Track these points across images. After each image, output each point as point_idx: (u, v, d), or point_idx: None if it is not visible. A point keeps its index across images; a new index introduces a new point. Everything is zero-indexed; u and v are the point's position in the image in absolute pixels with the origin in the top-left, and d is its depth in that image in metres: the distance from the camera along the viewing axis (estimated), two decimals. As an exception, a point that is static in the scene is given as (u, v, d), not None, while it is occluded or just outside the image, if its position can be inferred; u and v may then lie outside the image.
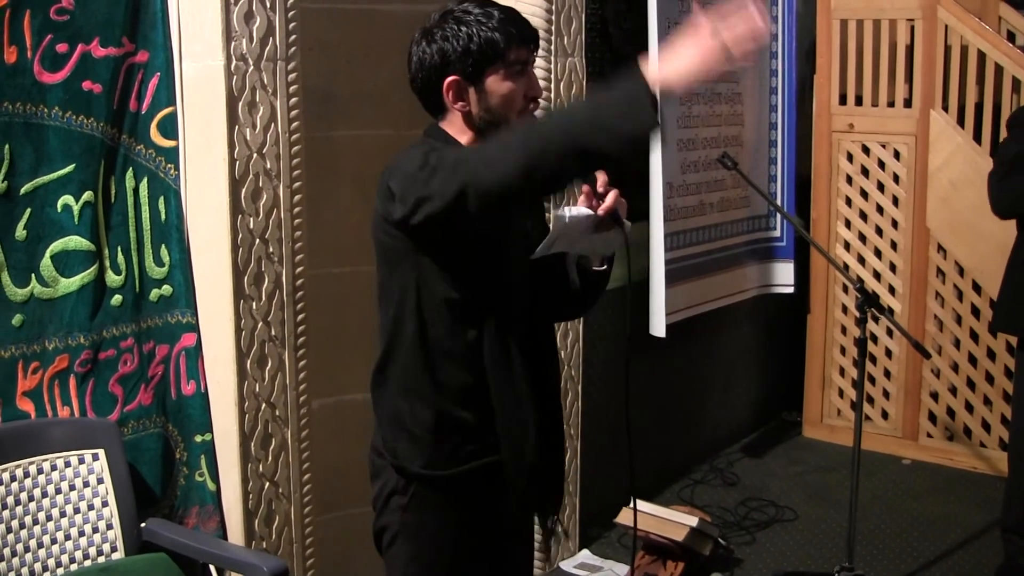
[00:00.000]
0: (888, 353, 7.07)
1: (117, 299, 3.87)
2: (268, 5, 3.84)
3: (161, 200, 3.91)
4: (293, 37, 3.96)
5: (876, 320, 4.97)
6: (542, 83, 4.79)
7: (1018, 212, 4.93)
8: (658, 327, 5.72)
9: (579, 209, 2.88)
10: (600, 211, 2.85)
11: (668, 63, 2.50)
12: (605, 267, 3.14)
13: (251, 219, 3.87)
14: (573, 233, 2.89)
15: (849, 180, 7.08)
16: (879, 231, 6.99)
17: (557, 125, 2.64)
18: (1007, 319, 5.10)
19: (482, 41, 2.89)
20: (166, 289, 3.95)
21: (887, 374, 7.10)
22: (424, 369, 3.04)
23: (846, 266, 7.10)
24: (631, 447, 3.31)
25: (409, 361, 3.06)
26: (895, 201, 6.90)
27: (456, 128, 3.02)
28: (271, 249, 3.94)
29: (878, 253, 7.02)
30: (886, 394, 7.13)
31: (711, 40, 2.46)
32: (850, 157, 7.05)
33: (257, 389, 3.97)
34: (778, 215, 6.65)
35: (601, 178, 2.88)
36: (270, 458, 4.06)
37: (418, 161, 2.80)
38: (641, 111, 2.48)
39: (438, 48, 2.93)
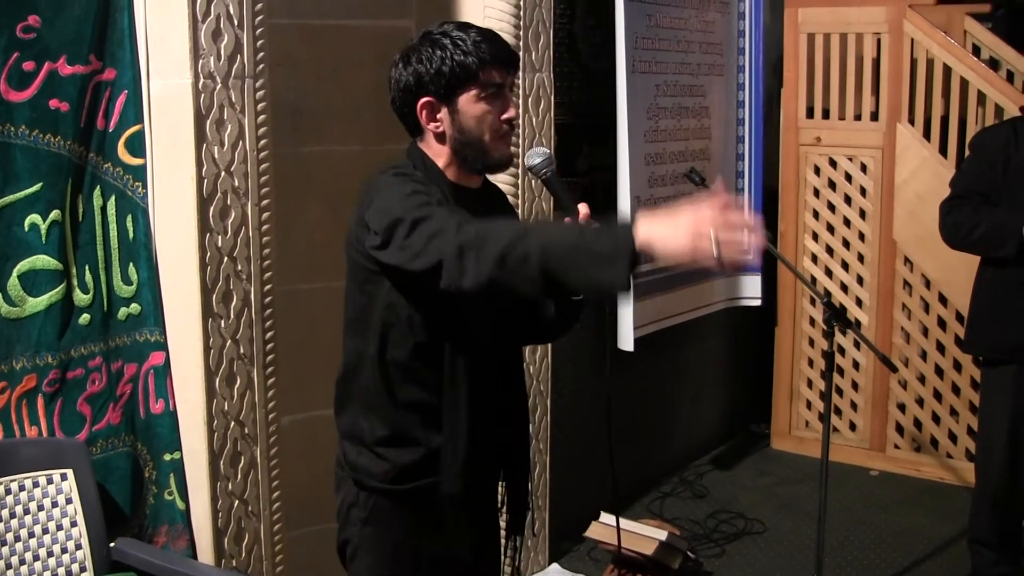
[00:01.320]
0: (856, 365, 7.10)
1: (85, 318, 3.85)
2: (236, 23, 3.83)
3: (129, 218, 3.89)
4: (261, 55, 3.95)
5: (844, 333, 5.00)
6: (510, 99, 4.80)
7: (960, 247, 5.03)
8: (626, 341, 5.72)
9: None
10: None
11: (659, 229, 2.46)
12: (581, 296, 3.12)
13: (219, 237, 3.86)
14: None
15: (816, 193, 7.11)
16: (846, 244, 7.03)
17: (537, 249, 2.55)
18: (972, 340, 5.18)
19: (455, 63, 2.95)
20: (134, 308, 3.93)
21: (855, 386, 7.14)
22: (384, 387, 3.10)
23: (813, 279, 7.13)
24: (613, 464, 3.32)
25: (370, 379, 3.12)
26: (862, 214, 6.94)
27: (433, 149, 3.07)
28: (239, 267, 3.93)
29: (845, 266, 7.06)
30: (854, 406, 7.17)
31: (707, 229, 2.41)
32: (817, 170, 7.08)
33: (226, 407, 3.96)
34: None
35: (583, 211, 2.93)
36: (239, 476, 4.04)
37: (397, 198, 2.84)
38: (618, 268, 2.47)
39: (413, 70, 3.01)
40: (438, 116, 3.02)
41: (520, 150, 4.87)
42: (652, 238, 2.45)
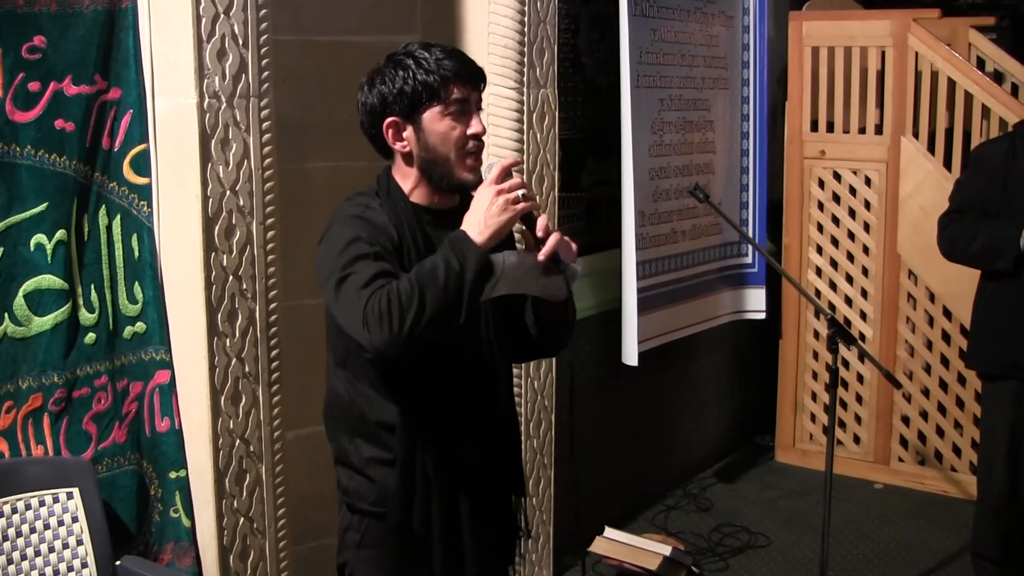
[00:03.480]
0: (860, 378, 7.11)
1: (91, 337, 3.86)
2: (240, 42, 3.84)
3: (134, 237, 3.89)
4: (266, 73, 3.96)
5: (848, 348, 5.01)
6: (514, 115, 4.81)
7: (958, 260, 5.05)
8: (630, 355, 5.72)
9: (517, 253, 3.00)
10: (540, 256, 2.94)
11: (474, 220, 2.88)
12: (559, 310, 3.17)
13: (224, 256, 3.87)
14: (513, 276, 2.96)
15: (820, 206, 7.12)
16: (850, 257, 7.04)
17: (420, 303, 2.78)
18: (973, 355, 5.19)
19: (416, 82, 2.98)
20: (140, 326, 3.94)
21: (859, 399, 7.14)
22: (364, 410, 3.13)
23: (817, 292, 7.14)
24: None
25: (350, 402, 3.17)
26: (866, 227, 6.94)
27: (401, 171, 3.12)
28: (244, 286, 3.93)
29: (849, 279, 7.06)
30: (858, 419, 7.17)
31: (500, 189, 2.89)
32: (821, 183, 7.09)
33: (231, 426, 3.97)
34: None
35: (541, 222, 2.94)
36: (244, 494, 4.05)
37: (334, 253, 2.95)
38: (474, 276, 2.83)
39: (377, 92, 3.04)
40: (404, 135, 3.04)
41: (525, 167, 4.88)
42: (486, 234, 2.85)
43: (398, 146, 3.06)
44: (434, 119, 3.00)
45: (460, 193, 3.10)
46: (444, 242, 2.87)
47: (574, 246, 3.01)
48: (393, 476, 3.11)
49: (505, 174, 2.92)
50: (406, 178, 3.09)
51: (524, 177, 4.88)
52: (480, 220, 2.86)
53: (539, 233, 2.94)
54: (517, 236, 3.33)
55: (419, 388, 3.06)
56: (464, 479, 3.17)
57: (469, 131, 3.02)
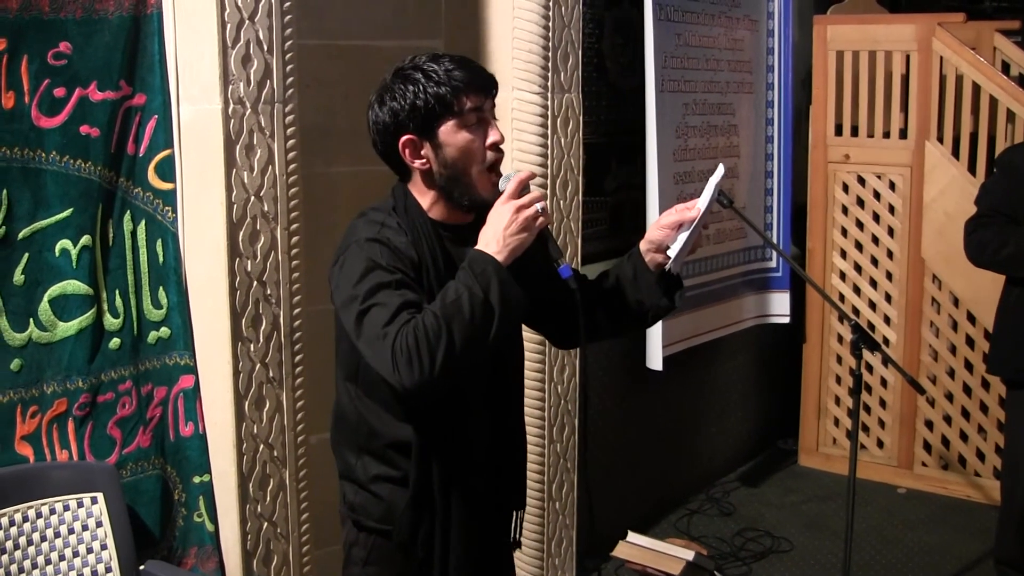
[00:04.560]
0: (883, 383, 7.09)
1: (115, 342, 3.87)
2: (265, 48, 3.85)
3: (159, 243, 3.91)
4: (291, 79, 3.96)
5: (873, 353, 4.99)
6: (538, 119, 4.81)
7: (986, 266, 5.02)
8: (655, 360, 5.73)
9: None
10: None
11: (491, 236, 2.84)
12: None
13: (249, 262, 3.87)
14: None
15: (845, 211, 7.10)
16: (874, 261, 7.02)
17: (449, 338, 2.73)
18: (996, 361, 5.17)
19: (428, 96, 2.90)
20: (164, 331, 3.96)
21: (882, 403, 7.12)
22: (375, 427, 3.09)
23: (841, 297, 7.12)
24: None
25: (359, 418, 3.12)
26: (890, 232, 6.92)
27: (419, 188, 3.03)
28: (268, 291, 3.94)
29: (873, 283, 7.05)
30: (881, 423, 7.15)
31: (518, 204, 2.84)
32: (846, 188, 7.08)
33: (255, 431, 3.97)
34: (774, 245, 6.67)
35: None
36: (268, 498, 4.06)
37: (351, 280, 2.88)
38: (507, 299, 2.79)
39: (388, 109, 2.96)
40: (422, 153, 2.96)
41: (548, 171, 4.88)
42: (505, 252, 2.81)
43: (417, 164, 2.98)
44: (450, 132, 2.92)
45: (480, 209, 2.99)
46: (463, 265, 2.81)
47: None
48: (400, 494, 3.08)
49: (522, 188, 2.86)
50: (424, 195, 3.02)
51: (548, 182, 4.88)
52: (499, 238, 2.81)
53: (562, 264, 2.92)
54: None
55: (436, 409, 3.00)
56: (473, 500, 3.14)
57: (488, 141, 2.94)
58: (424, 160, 2.97)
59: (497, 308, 2.74)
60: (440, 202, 3.02)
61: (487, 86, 2.98)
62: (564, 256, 2.98)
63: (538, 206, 2.84)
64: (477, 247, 2.83)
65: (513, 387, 3.26)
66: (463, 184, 2.96)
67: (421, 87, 2.91)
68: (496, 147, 2.96)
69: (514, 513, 3.36)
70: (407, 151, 2.97)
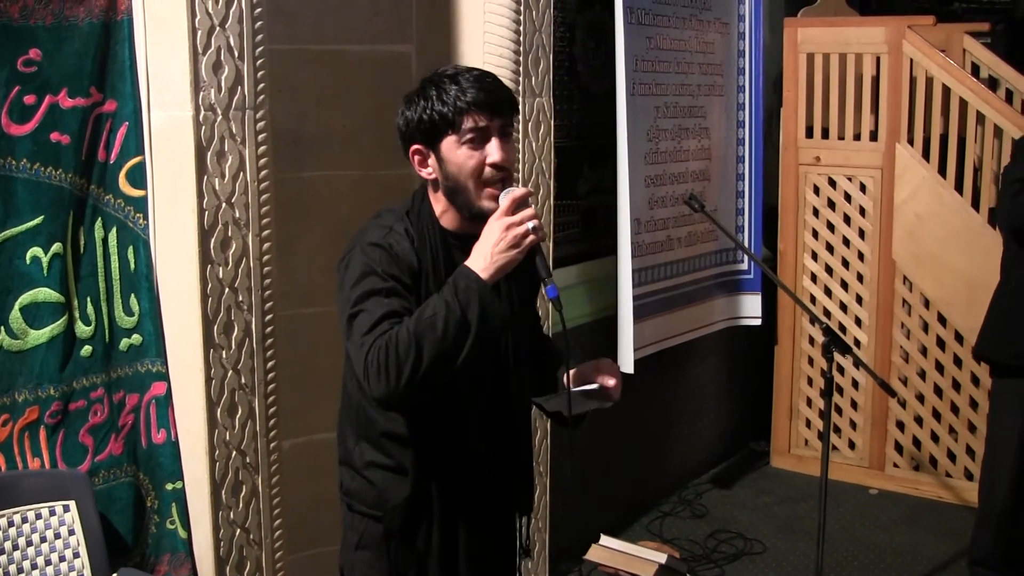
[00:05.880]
0: (855, 384, 7.12)
1: (87, 350, 3.86)
2: (236, 54, 3.84)
3: (130, 249, 3.89)
4: (262, 85, 3.95)
5: (844, 356, 5.00)
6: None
7: None
8: (626, 363, 5.73)
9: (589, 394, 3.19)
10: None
11: (482, 255, 2.88)
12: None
13: (220, 268, 3.86)
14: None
15: (816, 213, 7.13)
16: (845, 263, 7.05)
17: (424, 350, 2.80)
18: (988, 345, 5.13)
19: (433, 112, 2.98)
20: (136, 338, 3.94)
21: (854, 405, 7.15)
22: (373, 416, 3.15)
23: (813, 298, 7.15)
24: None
25: (359, 405, 3.18)
26: (861, 234, 6.96)
27: (435, 195, 3.11)
28: (240, 298, 3.93)
29: (844, 285, 7.08)
30: (853, 425, 7.18)
31: (512, 221, 2.88)
32: (817, 190, 7.11)
33: (228, 437, 3.96)
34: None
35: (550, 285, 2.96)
36: (241, 505, 4.05)
37: (350, 285, 2.97)
38: (491, 319, 2.87)
39: (404, 118, 3.06)
40: (428, 163, 3.05)
41: (520, 175, 4.88)
42: (491, 269, 2.86)
43: (423, 173, 3.07)
44: (451, 148, 2.98)
45: (483, 221, 3.00)
46: (449, 280, 2.88)
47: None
48: (392, 481, 3.14)
49: (516, 205, 2.89)
50: (438, 201, 3.10)
51: (520, 186, 4.87)
52: (486, 255, 2.86)
53: (549, 284, 2.95)
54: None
55: (434, 406, 3.06)
56: (470, 496, 3.19)
57: (489, 160, 2.97)
58: (430, 170, 3.06)
59: (474, 326, 2.81)
60: (451, 210, 3.08)
61: (494, 106, 2.99)
62: (552, 276, 2.98)
63: (530, 224, 2.87)
64: (466, 263, 2.89)
65: (519, 386, 3.30)
66: (463, 196, 3.01)
67: (431, 102, 2.99)
68: (496, 166, 2.98)
69: (518, 517, 3.44)
70: (416, 159, 3.08)
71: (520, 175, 4.88)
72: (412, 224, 3.07)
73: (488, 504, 3.26)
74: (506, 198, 2.91)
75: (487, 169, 2.98)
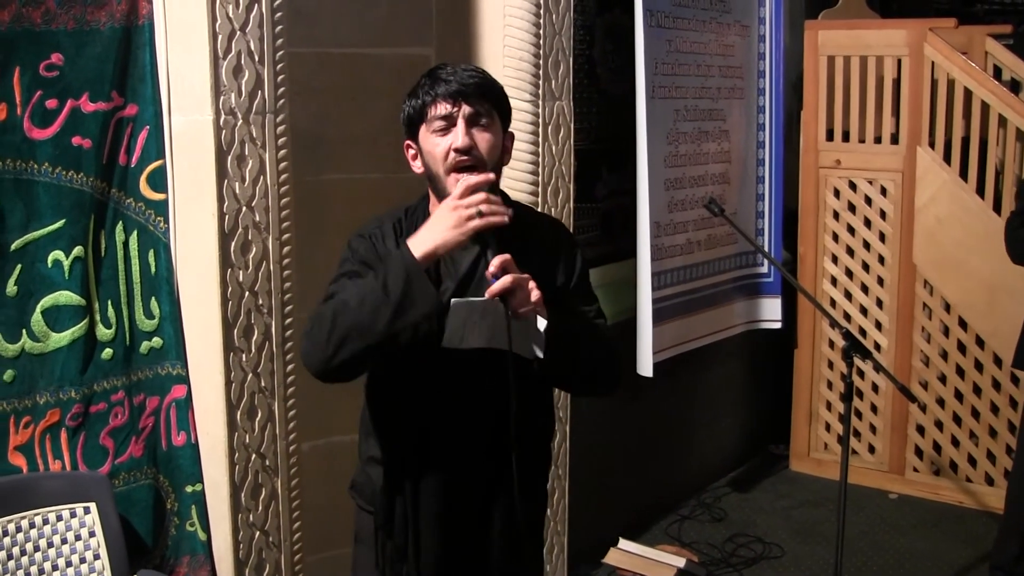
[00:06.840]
0: (875, 388, 7.10)
1: (108, 352, 3.88)
2: (256, 59, 3.85)
3: (151, 253, 3.91)
4: (282, 89, 3.97)
5: (864, 360, 4.98)
6: (530, 127, 4.81)
7: None
8: (645, 366, 5.72)
9: (485, 301, 2.91)
10: (486, 295, 2.89)
11: (424, 236, 2.91)
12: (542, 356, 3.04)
13: (240, 272, 3.88)
14: (485, 326, 2.93)
15: (836, 216, 7.11)
16: (866, 267, 7.03)
17: (349, 324, 2.88)
18: None
19: (411, 105, 3.09)
20: (156, 341, 3.96)
21: (874, 409, 7.13)
22: (378, 411, 3.23)
23: (833, 302, 7.14)
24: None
25: (369, 402, 3.27)
26: (882, 237, 6.93)
27: (429, 188, 3.16)
28: (260, 301, 3.95)
29: (865, 289, 7.05)
30: (873, 429, 7.16)
31: (461, 205, 2.89)
32: (837, 193, 7.09)
33: (247, 440, 3.98)
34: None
35: (496, 262, 2.88)
36: (260, 507, 4.07)
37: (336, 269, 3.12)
38: (419, 299, 2.87)
39: (400, 115, 3.16)
40: (415, 156, 3.13)
41: (540, 179, 4.88)
42: (424, 246, 2.87)
43: (414, 167, 3.14)
44: (425, 138, 3.06)
45: None
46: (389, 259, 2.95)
47: (534, 294, 2.92)
48: (385, 482, 3.20)
49: (469, 191, 2.91)
50: (432, 195, 3.14)
51: (539, 190, 4.88)
52: (425, 232, 2.91)
53: (491, 269, 2.88)
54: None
55: (418, 402, 3.12)
56: (451, 491, 3.18)
57: (453, 145, 3.00)
58: (418, 163, 3.13)
59: (394, 296, 2.83)
60: (437, 202, 3.11)
61: (456, 94, 3.02)
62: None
63: (478, 208, 2.87)
64: (409, 242, 2.92)
65: (517, 397, 3.10)
66: (439, 184, 3.06)
67: (411, 98, 3.09)
68: (459, 151, 3.01)
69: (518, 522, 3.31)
70: (409, 154, 3.15)
71: (540, 178, 4.88)
72: (407, 218, 3.15)
73: (470, 497, 3.22)
74: (461, 183, 2.93)
75: (451, 154, 3.01)
